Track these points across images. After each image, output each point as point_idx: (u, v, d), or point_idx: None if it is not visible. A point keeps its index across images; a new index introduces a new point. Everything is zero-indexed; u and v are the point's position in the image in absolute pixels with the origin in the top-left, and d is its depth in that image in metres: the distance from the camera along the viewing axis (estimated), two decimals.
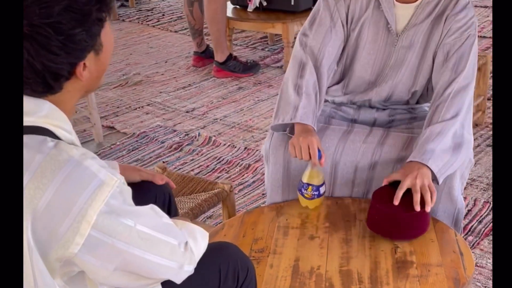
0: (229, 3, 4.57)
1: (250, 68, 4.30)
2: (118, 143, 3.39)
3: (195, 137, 3.42)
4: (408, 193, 1.75)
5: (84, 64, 1.19)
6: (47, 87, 1.18)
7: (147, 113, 3.79)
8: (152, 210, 1.25)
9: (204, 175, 3.02)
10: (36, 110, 1.18)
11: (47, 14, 1.11)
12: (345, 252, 1.75)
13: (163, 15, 5.84)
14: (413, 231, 1.76)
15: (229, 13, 4.46)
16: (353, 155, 1.98)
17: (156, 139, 3.43)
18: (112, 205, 1.13)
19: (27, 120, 1.16)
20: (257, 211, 2.03)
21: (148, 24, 5.60)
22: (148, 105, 3.90)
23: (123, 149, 3.32)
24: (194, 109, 3.82)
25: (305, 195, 1.90)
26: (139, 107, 3.87)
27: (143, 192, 1.66)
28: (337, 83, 2.14)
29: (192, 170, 3.09)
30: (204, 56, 4.53)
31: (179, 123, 3.64)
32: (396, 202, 1.72)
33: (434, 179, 1.80)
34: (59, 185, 1.10)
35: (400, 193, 1.73)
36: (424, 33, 1.99)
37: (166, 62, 4.67)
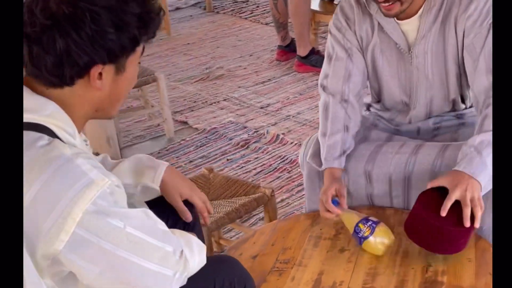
0: None
1: None
2: (188, 138, 3.43)
3: (264, 134, 3.40)
4: (453, 203, 1.63)
5: (101, 73, 1.19)
6: (60, 75, 1.17)
7: (221, 108, 3.81)
8: (144, 214, 1.22)
9: (265, 174, 3.01)
10: (40, 109, 1.19)
11: (92, 2, 1.13)
12: (373, 268, 1.66)
13: (258, 6, 5.83)
14: (457, 246, 1.65)
15: (316, 6, 4.38)
16: (385, 167, 1.88)
17: (225, 136, 3.44)
18: (100, 205, 1.12)
19: (28, 117, 1.17)
20: (293, 219, 2.00)
21: (240, 16, 5.63)
22: (225, 100, 3.92)
23: (191, 145, 3.36)
24: (269, 105, 3.79)
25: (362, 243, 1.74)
26: (215, 102, 3.89)
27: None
28: (376, 102, 2.08)
29: (254, 168, 3.07)
30: (288, 50, 4.47)
31: (251, 119, 3.63)
32: (444, 213, 1.61)
33: None
34: (46, 180, 1.11)
35: (448, 204, 1.61)
36: (436, 39, 1.84)
37: (251, 55, 4.67)
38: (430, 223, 1.63)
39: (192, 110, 3.81)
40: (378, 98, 2.06)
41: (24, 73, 1.21)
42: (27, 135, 1.16)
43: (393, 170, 1.88)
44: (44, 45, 1.14)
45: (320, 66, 4.46)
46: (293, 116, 3.61)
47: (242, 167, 3.09)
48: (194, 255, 1.30)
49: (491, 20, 1.76)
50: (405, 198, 1.90)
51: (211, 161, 3.18)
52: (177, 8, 6.09)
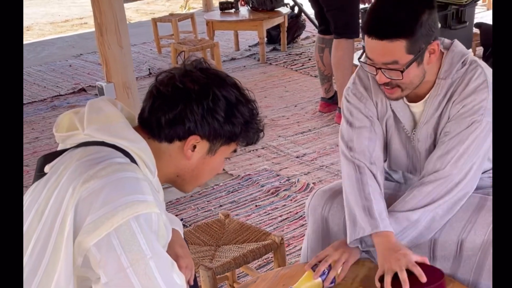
0: (360, 51, 4.57)
1: None
2: (221, 184, 3.54)
3: (295, 183, 3.47)
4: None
5: (195, 146, 1.36)
6: (167, 131, 1.35)
7: (258, 156, 3.90)
8: (171, 264, 1.30)
9: (290, 221, 3.05)
10: (135, 141, 1.35)
11: (220, 89, 1.36)
12: None
13: (310, 59, 5.97)
14: None
15: (357, 61, 4.45)
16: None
17: (257, 183, 3.52)
18: (141, 224, 1.23)
19: (122, 143, 1.34)
20: (295, 267, 2.03)
21: (292, 68, 5.77)
22: (263, 148, 4.01)
23: (223, 190, 3.46)
24: (305, 155, 3.86)
25: None
26: (253, 150, 3.99)
27: None
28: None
29: (280, 215, 3.13)
30: (331, 102, 4.56)
31: (286, 167, 3.71)
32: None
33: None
34: (111, 181, 1.24)
35: (388, 279, 1.65)
36: (435, 123, 1.83)
37: (295, 106, 4.78)
38: None
39: (230, 157, 3.91)
40: (385, 160, 2.04)
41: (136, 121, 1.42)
42: (114, 153, 1.32)
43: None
44: (168, 103, 1.34)
45: None
46: (326, 167, 3.66)
47: (269, 213, 3.16)
48: None
49: (476, 118, 1.73)
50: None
51: (240, 206, 3.27)
52: (232, 59, 6.31)
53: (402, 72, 1.69)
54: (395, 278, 1.66)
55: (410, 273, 1.66)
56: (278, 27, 6.41)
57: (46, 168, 1.37)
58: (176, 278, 1.29)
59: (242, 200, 3.35)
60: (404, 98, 1.85)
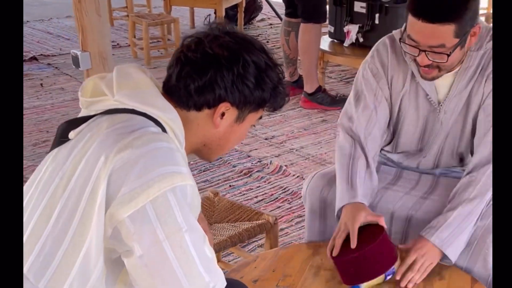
0: (326, 36, 4.60)
1: (337, 102, 4.28)
2: (192, 162, 3.49)
3: (267, 164, 3.46)
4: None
5: (224, 113, 1.31)
6: (196, 99, 1.30)
7: None
8: (203, 237, 1.25)
9: (266, 203, 3.06)
10: (166, 111, 1.29)
11: (249, 54, 1.30)
12: None
13: (268, 41, 5.95)
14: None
15: (325, 46, 4.48)
16: (391, 204, 1.94)
17: (229, 163, 3.50)
18: (177, 195, 1.18)
19: (153, 112, 1.28)
20: (294, 247, 2.03)
21: None
22: None
23: (194, 169, 3.42)
24: (274, 137, 3.87)
25: None
26: None
27: None
28: (387, 144, 2.08)
29: (256, 196, 3.13)
30: (296, 86, 4.57)
31: (256, 149, 3.70)
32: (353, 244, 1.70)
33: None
34: (146, 152, 1.19)
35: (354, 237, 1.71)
36: (464, 99, 1.86)
37: None
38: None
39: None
40: (392, 139, 2.05)
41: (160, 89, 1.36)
42: (146, 122, 1.26)
43: (396, 209, 1.93)
44: (197, 69, 1.29)
45: (326, 104, 4.56)
46: (296, 150, 3.68)
47: (244, 194, 3.15)
48: None
49: None
50: (402, 237, 1.95)
51: (214, 186, 3.24)
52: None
53: (448, 55, 1.70)
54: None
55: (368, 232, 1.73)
56: (235, 7, 6.35)
57: (71, 134, 1.30)
58: (207, 252, 1.26)
59: (215, 179, 3.32)
60: None
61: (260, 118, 1.41)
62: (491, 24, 1.89)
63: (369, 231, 1.74)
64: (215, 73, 1.29)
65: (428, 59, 1.73)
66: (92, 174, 1.20)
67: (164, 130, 1.28)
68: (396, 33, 1.93)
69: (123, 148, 1.20)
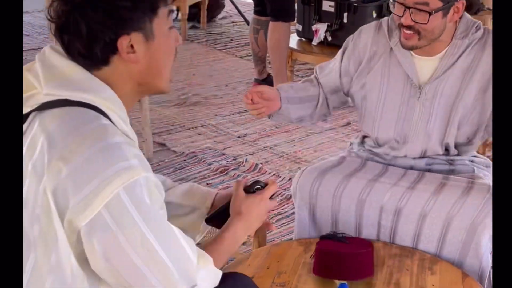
0: (294, 34, 4.61)
1: None
2: (166, 160, 3.46)
3: (242, 162, 3.46)
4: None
5: (132, 45, 1.22)
6: (94, 56, 1.21)
7: (199, 134, 3.85)
8: (173, 230, 1.20)
9: None
10: (98, 91, 1.22)
11: None
12: None
13: (232, 40, 5.94)
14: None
15: (294, 44, 4.49)
16: (380, 196, 1.96)
17: (204, 161, 3.48)
18: (131, 193, 1.13)
19: (87, 98, 1.20)
20: (286, 245, 2.03)
21: (215, 48, 5.71)
22: (202, 126, 3.97)
23: (170, 167, 3.39)
24: (246, 135, 3.86)
25: None
26: (192, 127, 3.94)
27: None
28: (369, 136, 2.14)
29: None
30: (265, 83, 4.56)
31: (229, 147, 3.69)
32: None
33: None
34: (90, 155, 1.13)
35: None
36: (454, 83, 1.94)
37: (226, 86, 4.74)
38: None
39: (170, 133, 3.84)
40: (371, 133, 2.11)
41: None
42: (87, 113, 1.19)
43: (386, 201, 1.96)
44: (71, 31, 1.19)
45: None
46: (270, 148, 3.68)
47: None
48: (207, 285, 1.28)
49: None
50: (391, 230, 1.98)
51: None
52: None
53: (430, 14, 1.81)
54: None
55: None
56: (197, 4, 6.31)
57: None
58: (179, 245, 1.20)
59: (191, 177, 3.30)
60: (413, 53, 1.95)
61: (171, 12, 1.29)
62: (479, 21, 1.97)
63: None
64: (86, 21, 1.18)
65: (411, 19, 1.83)
66: (40, 184, 1.15)
67: (103, 113, 1.21)
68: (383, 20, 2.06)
69: (66, 155, 1.14)
